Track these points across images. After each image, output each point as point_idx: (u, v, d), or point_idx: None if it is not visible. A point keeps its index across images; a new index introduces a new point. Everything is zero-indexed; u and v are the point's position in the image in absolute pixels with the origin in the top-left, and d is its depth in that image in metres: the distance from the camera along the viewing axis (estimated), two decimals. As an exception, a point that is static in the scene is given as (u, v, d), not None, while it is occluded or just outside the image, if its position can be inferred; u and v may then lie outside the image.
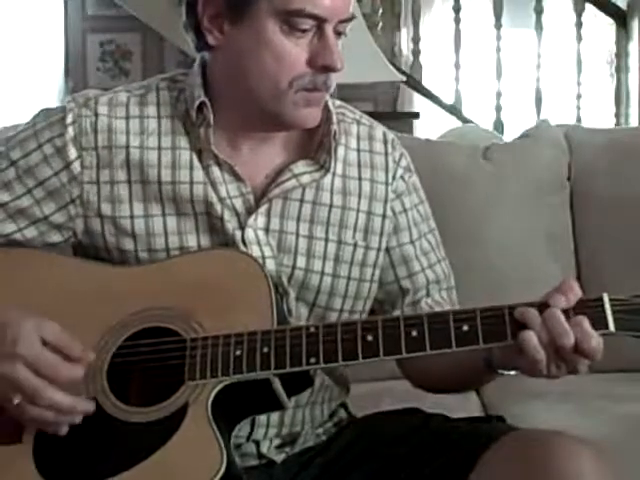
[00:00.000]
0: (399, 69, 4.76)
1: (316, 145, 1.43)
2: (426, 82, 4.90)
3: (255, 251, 1.37)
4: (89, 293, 1.35)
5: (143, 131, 1.40)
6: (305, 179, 1.41)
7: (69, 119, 1.38)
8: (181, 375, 1.26)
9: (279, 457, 1.40)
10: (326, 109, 1.42)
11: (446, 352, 1.22)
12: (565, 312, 1.20)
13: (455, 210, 2.17)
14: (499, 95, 4.76)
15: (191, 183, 1.38)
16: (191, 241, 1.38)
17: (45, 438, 1.26)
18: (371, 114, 1.59)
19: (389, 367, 1.43)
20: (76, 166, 1.38)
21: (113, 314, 1.31)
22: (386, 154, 1.49)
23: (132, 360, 1.30)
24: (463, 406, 1.42)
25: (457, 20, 4.82)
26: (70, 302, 1.34)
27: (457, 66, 4.81)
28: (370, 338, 1.24)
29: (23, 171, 1.39)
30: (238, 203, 1.39)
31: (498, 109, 4.76)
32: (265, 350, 1.24)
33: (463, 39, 4.85)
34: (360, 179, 1.46)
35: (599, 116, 5.12)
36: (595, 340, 1.19)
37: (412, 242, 1.49)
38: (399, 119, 4.70)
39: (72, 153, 1.38)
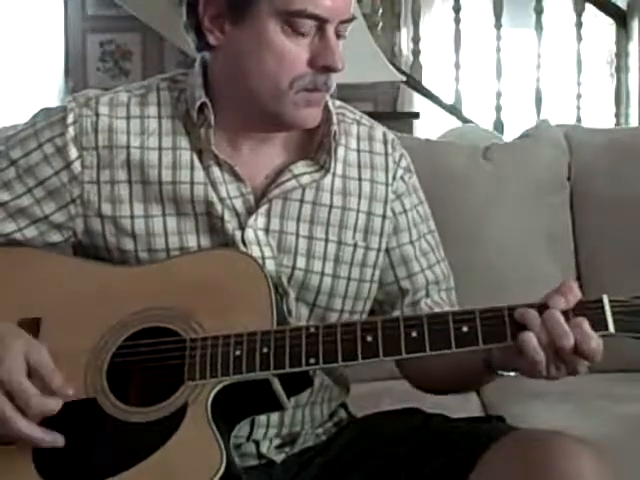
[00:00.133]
0: (399, 69, 4.76)
1: (316, 145, 1.43)
2: (426, 82, 4.90)
3: (255, 251, 1.37)
4: (89, 293, 1.35)
5: (144, 131, 1.40)
6: (305, 180, 1.41)
7: (70, 119, 1.38)
8: (181, 375, 1.26)
9: (279, 457, 1.40)
10: (326, 109, 1.42)
11: (446, 353, 1.22)
12: (565, 313, 1.20)
13: (455, 210, 2.17)
14: (499, 95, 4.76)
15: (192, 183, 1.38)
16: (191, 241, 1.38)
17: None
18: (371, 114, 1.59)
19: (389, 367, 1.43)
20: (76, 166, 1.38)
21: (113, 314, 1.31)
22: (386, 154, 1.49)
23: (132, 360, 1.30)
24: (463, 406, 1.43)
25: (457, 20, 4.82)
26: (70, 302, 1.34)
27: (457, 66, 4.81)
28: (370, 339, 1.24)
29: (23, 170, 1.39)
30: (238, 203, 1.39)
31: (498, 109, 4.76)
32: (265, 350, 1.24)
33: (463, 39, 4.85)
34: (360, 180, 1.46)
35: (599, 116, 5.12)
36: (595, 341, 1.19)
37: (412, 243, 1.49)
38: (399, 119, 4.70)
39: (73, 153, 1.38)
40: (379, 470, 1.34)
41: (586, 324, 1.19)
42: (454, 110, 4.81)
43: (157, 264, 1.37)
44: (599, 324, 1.20)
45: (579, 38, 4.80)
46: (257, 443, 1.39)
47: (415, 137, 2.72)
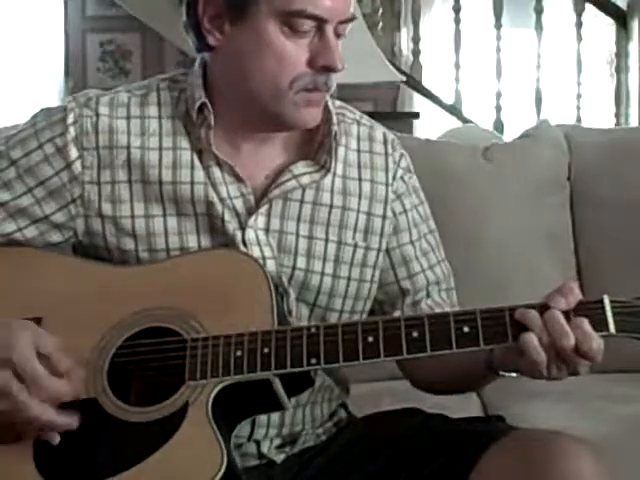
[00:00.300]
0: (399, 69, 4.76)
1: (316, 146, 1.43)
2: (426, 82, 4.90)
3: (255, 252, 1.37)
4: (89, 293, 1.34)
5: (144, 132, 1.40)
6: (305, 180, 1.41)
7: (70, 119, 1.38)
8: (181, 375, 1.25)
9: (279, 457, 1.40)
10: (326, 109, 1.42)
11: (446, 353, 1.22)
12: (565, 314, 1.20)
13: (455, 210, 2.17)
14: (499, 95, 4.77)
15: (192, 183, 1.38)
16: (191, 241, 1.38)
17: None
18: (371, 114, 1.59)
19: (389, 367, 1.43)
20: (77, 166, 1.38)
21: (113, 314, 1.31)
22: (386, 155, 1.49)
23: (132, 360, 1.30)
24: (463, 406, 1.43)
25: (457, 20, 4.82)
26: (70, 302, 1.34)
27: (457, 66, 4.81)
28: (371, 339, 1.23)
29: (24, 170, 1.39)
30: (238, 204, 1.39)
31: (498, 109, 4.76)
32: (266, 351, 1.24)
33: (463, 39, 4.85)
34: (360, 180, 1.46)
35: (599, 116, 5.12)
36: (596, 342, 1.19)
37: (412, 243, 1.49)
38: (399, 119, 4.70)
39: (73, 153, 1.38)
40: (379, 470, 1.34)
41: (587, 324, 1.19)
42: (454, 110, 4.81)
43: (157, 264, 1.37)
44: (600, 324, 1.20)
45: (579, 38, 4.80)
46: (258, 443, 1.39)
47: (415, 137, 2.72)
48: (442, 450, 1.31)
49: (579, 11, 4.80)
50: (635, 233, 2.21)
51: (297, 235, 1.41)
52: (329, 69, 1.34)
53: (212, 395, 1.24)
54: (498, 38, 4.77)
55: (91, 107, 1.40)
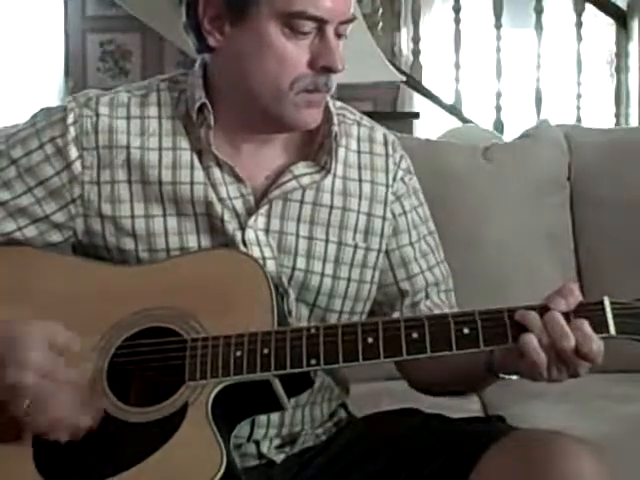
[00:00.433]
0: (399, 69, 4.76)
1: (317, 146, 1.43)
2: (426, 82, 4.91)
3: (255, 252, 1.37)
4: (89, 292, 1.34)
5: (144, 132, 1.40)
6: (305, 180, 1.41)
7: (70, 119, 1.38)
8: (181, 375, 1.25)
9: (279, 457, 1.40)
10: (327, 110, 1.42)
11: (446, 354, 1.22)
12: (566, 315, 1.20)
13: (455, 210, 2.17)
14: (499, 95, 4.77)
15: (192, 183, 1.38)
16: (191, 241, 1.38)
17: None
18: (371, 114, 1.59)
19: (388, 367, 1.43)
20: (77, 166, 1.38)
21: (113, 314, 1.31)
22: (387, 156, 1.49)
23: (132, 360, 1.30)
24: (463, 406, 1.42)
25: (457, 20, 4.83)
26: (70, 301, 1.34)
27: (457, 66, 4.81)
28: (371, 340, 1.23)
29: (24, 170, 1.39)
30: (238, 204, 1.39)
31: (498, 109, 4.76)
32: (265, 351, 1.24)
33: (463, 39, 4.85)
34: (360, 181, 1.46)
35: (599, 116, 5.12)
36: (596, 343, 1.19)
37: (411, 244, 1.49)
38: (399, 119, 4.70)
39: (73, 153, 1.38)
40: (379, 470, 1.34)
41: (587, 326, 1.19)
42: (454, 110, 4.81)
43: (157, 264, 1.37)
44: (600, 326, 1.20)
45: (579, 38, 4.80)
46: (257, 443, 1.39)
47: (415, 137, 2.72)
48: (442, 450, 1.31)
49: (579, 11, 4.80)
50: (635, 233, 2.21)
51: (297, 236, 1.41)
52: (330, 70, 1.34)
53: (212, 395, 1.24)
54: (498, 38, 4.77)
55: (91, 107, 1.40)
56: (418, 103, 5.16)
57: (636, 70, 4.81)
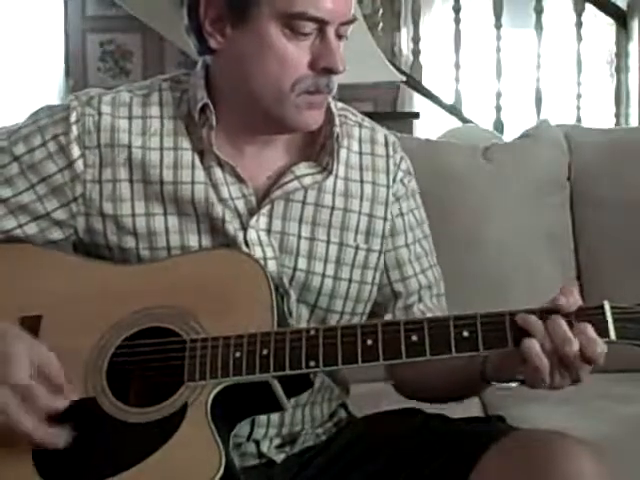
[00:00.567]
0: (399, 69, 4.76)
1: (318, 147, 1.43)
2: (426, 82, 4.91)
3: (257, 252, 1.37)
4: (90, 291, 1.34)
5: (145, 131, 1.40)
6: (307, 181, 1.41)
7: (73, 117, 1.39)
8: (180, 376, 1.25)
9: (279, 457, 1.40)
10: (328, 111, 1.42)
11: (446, 358, 1.22)
12: (567, 320, 1.20)
13: (455, 210, 2.18)
14: (499, 95, 4.77)
15: (192, 183, 1.38)
16: (192, 240, 1.38)
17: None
18: (371, 114, 1.58)
19: (388, 368, 1.43)
20: (79, 165, 1.38)
21: (113, 313, 1.31)
22: (387, 157, 1.49)
23: (132, 360, 1.30)
24: (463, 406, 1.42)
25: (457, 20, 4.83)
26: (71, 300, 1.33)
27: (457, 66, 4.81)
28: (370, 342, 1.23)
29: (27, 167, 1.39)
30: (240, 204, 1.39)
31: (498, 109, 4.76)
32: (265, 352, 1.24)
33: (463, 39, 4.85)
34: (362, 182, 1.46)
35: (599, 116, 5.12)
36: (600, 347, 1.18)
37: (407, 246, 1.49)
38: (399, 119, 4.70)
39: (75, 152, 1.38)
40: (379, 470, 1.34)
41: (590, 329, 1.18)
42: (454, 110, 4.81)
43: (158, 263, 1.37)
44: (600, 331, 1.19)
45: (579, 38, 4.80)
46: (257, 443, 1.39)
47: (415, 137, 2.72)
48: (442, 450, 1.31)
49: (579, 11, 4.80)
50: (635, 233, 2.21)
51: (299, 236, 1.41)
52: (331, 71, 1.34)
53: (211, 396, 1.24)
54: (498, 38, 4.77)
55: (93, 106, 1.40)
56: (418, 103, 5.17)
57: (636, 70, 4.81)
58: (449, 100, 4.85)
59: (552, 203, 2.27)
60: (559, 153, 2.31)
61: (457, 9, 4.83)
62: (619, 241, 2.23)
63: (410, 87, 4.99)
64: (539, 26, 4.78)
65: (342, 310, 1.44)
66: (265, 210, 1.40)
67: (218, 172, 1.39)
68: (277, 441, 1.41)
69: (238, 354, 1.24)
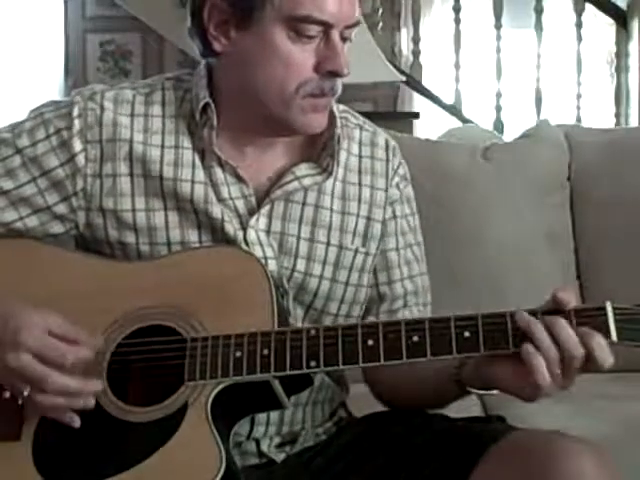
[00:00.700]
0: (399, 69, 4.77)
1: (319, 148, 1.43)
2: (426, 82, 4.91)
3: (258, 252, 1.37)
4: (90, 289, 1.34)
5: (147, 129, 1.40)
6: (307, 181, 1.41)
7: (75, 112, 1.39)
8: (181, 375, 1.25)
9: (279, 456, 1.40)
10: (330, 113, 1.41)
11: (447, 358, 1.22)
12: (568, 321, 1.19)
13: (455, 210, 2.17)
14: (499, 95, 4.77)
15: (192, 182, 1.39)
16: (192, 235, 1.38)
17: (45, 437, 1.26)
18: (371, 114, 1.59)
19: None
20: (80, 159, 1.38)
21: (114, 310, 1.31)
22: (387, 161, 1.49)
23: (132, 358, 1.30)
24: (463, 406, 1.42)
25: (457, 20, 4.83)
26: (71, 297, 1.33)
27: (457, 66, 4.81)
28: (371, 342, 1.23)
29: (29, 159, 1.39)
30: (240, 204, 1.39)
31: (498, 109, 4.76)
32: (265, 352, 1.24)
33: (463, 39, 4.85)
34: (360, 185, 1.46)
35: (599, 116, 5.12)
36: (609, 358, 1.18)
37: (397, 250, 1.49)
38: (399, 119, 4.70)
39: (77, 146, 1.38)
40: (379, 470, 1.34)
41: (601, 339, 1.17)
42: (454, 110, 4.81)
43: (159, 260, 1.36)
44: (601, 332, 1.18)
45: (579, 38, 4.80)
46: (257, 441, 1.39)
47: (415, 137, 2.72)
48: (442, 450, 1.31)
49: (579, 11, 4.80)
50: (635, 233, 2.21)
51: (298, 237, 1.41)
52: (335, 74, 1.34)
53: (211, 396, 1.24)
54: (498, 38, 4.77)
55: (96, 101, 1.40)
56: (418, 103, 5.17)
57: (636, 70, 4.81)
58: (449, 100, 4.85)
59: (552, 203, 2.27)
60: (559, 153, 2.31)
61: (457, 9, 4.83)
62: (619, 241, 2.23)
63: (410, 87, 4.99)
64: (539, 26, 4.78)
65: (337, 313, 1.44)
66: (265, 210, 1.40)
67: (219, 172, 1.39)
68: (277, 440, 1.41)
69: (238, 354, 1.24)
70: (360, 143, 1.48)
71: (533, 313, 1.21)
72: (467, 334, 1.21)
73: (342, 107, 1.49)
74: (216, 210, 1.38)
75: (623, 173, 2.26)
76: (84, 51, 5.80)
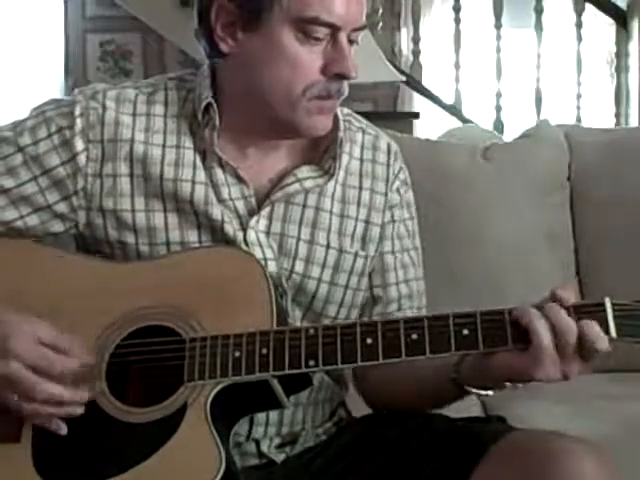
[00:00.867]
0: (399, 69, 4.77)
1: (321, 151, 1.42)
2: (426, 82, 4.91)
3: (257, 252, 1.37)
4: (88, 289, 1.34)
5: (148, 129, 1.40)
6: (308, 184, 1.41)
7: (77, 111, 1.39)
8: (180, 375, 1.25)
9: (279, 457, 1.40)
10: (334, 116, 1.41)
11: (445, 356, 1.22)
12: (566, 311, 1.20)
13: (455, 210, 2.18)
14: (499, 95, 4.77)
15: (193, 182, 1.39)
16: (192, 236, 1.38)
17: (44, 438, 1.26)
18: (371, 114, 1.59)
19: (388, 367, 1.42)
20: (81, 158, 1.38)
21: (113, 311, 1.31)
22: (388, 165, 1.49)
23: (131, 359, 1.29)
24: (463, 406, 1.42)
25: (457, 20, 4.83)
26: (70, 298, 1.33)
27: (457, 66, 4.82)
28: (370, 341, 1.23)
29: (30, 157, 1.39)
30: (240, 205, 1.39)
31: (498, 109, 4.77)
32: (264, 351, 1.24)
33: (463, 39, 4.85)
34: (360, 188, 1.46)
35: (599, 116, 5.12)
36: (603, 342, 1.18)
37: (393, 253, 1.49)
38: (399, 119, 4.70)
39: (79, 145, 1.38)
40: (379, 471, 1.34)
41: (596, 326, 1.18)
42: (454, 110, 4.81)
43: (158, 260, 1.36)
44: (600, 328, 1.18)
45: (579, 38, 4.80)
46: (257, 442, 1.39)
47: (415, 137, 2.72)
48: (442, 451, 1.31)
49: (579, 11, 4.80)
50: (635, 233, 2.21)
51: (298, 239, 1.41)
52: (343, 76, 1.34)
53: (211, 396, 1.23)
54: (498, 38, 4.77)
55: (98, 100, 1.40)
56: (418, 103, 5.17)
57: (636, 70, 4.82)
58: (449, 100, 4.85)
59: (552, 203, 2.27)
60: (559, 153, 2.31)
61: (457, 9, 4.83)
62: (619, 241, 2.23)
63: (410, 87, 4.99)
64: (539, 26, 4.78)
65: (335, 316, 1.44)
66: (265, 212, 1.40)
67: (219, 172, 1.39)
68: (277, 441, 1.41)
69: (237, 354, 1.24)
70: (362, 146, 1.48)
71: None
72: (466, 331, 1.21)
73: (346, 110, 1.49)
74: (216, 211, 1.38)
75: (623, 173, 2.26)
76: (84, 51, 5.80)
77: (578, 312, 1.20)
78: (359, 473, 1.35)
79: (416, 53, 4.87)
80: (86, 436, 1.25)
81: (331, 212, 1.43)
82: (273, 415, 1.39)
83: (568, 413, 1.87)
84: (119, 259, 1.39)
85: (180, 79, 1.45)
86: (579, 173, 2.29)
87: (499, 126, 4.70)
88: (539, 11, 4.77)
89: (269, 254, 1.39)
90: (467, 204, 2.21)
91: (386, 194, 1.48)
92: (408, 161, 1.55)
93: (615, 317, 1.18)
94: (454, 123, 4.66)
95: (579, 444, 1.21)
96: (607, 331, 1.18)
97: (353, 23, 1.34)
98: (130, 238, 1.39)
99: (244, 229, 1.39)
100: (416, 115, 4.75)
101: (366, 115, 1.56)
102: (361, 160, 1.48)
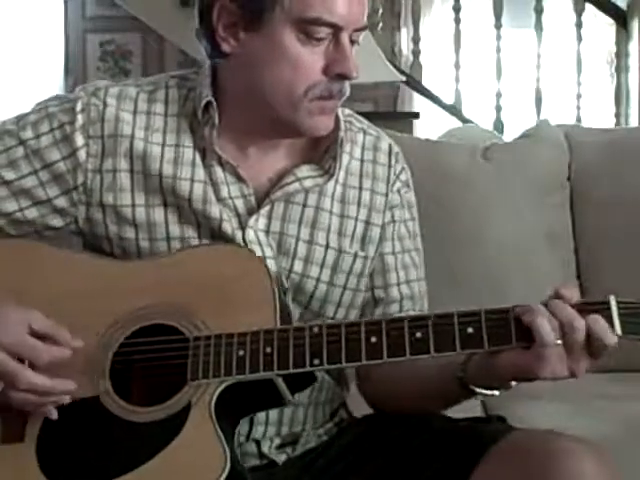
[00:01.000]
0: (399, 69, 4.77)
1: (322, 151, 1.43)
2: (426, 82, 4.91)
3: (257, 251, 1.37)
4: (91, 288, 1.34)
5: (148, 127, 1.40)
6: (308, 183, 1.41)
7: (79, 107, 1.40)
8: (184, 374, 1.25)
9: (280, 458, 1.40)
10: (335, 117, 1.41)
11: (450, 355, 1.21)
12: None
13: (455, 210, 2.18)
14: (499, 95, 4.77)
15: (192, 180, 1.39)
16: (192, 231, 1.39)
17: (48, 438, 1.26)
18: (371, 114, 1.59)
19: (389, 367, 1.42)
20: (82, 154, 1.39)
21: (116, 310, 1.31)
22: (389, 166, 1.49)
23: (135, 358, 1.30)
24: (463, 406, 1.42)
25: (457, 20, 4.83)
26: (71, 298, 1.33)
27: (457, 66, 4.82)
28: (374, 339, 1.23)
29: (32, 151, 1.39)
30: (239, 204, 1.39)
31: (498, 109, 4.77)
32: (268, 350, 1.24)
33: (463, 39, 4.85)
34: (361, 189, 1.46)
35: (599, 116, 5.12)
36: (610, 337, 1.18)
37: (394, 254, 1.48)
38: (399, 119, 4.70)
39: (79, 140, 1.39)
40: (380, 471, 1.34)
41: (603, 321, 1.18)
42: (454, 110, 4.81)
43: (160, 259, 1.37)
44: None
45: (579, 38, 4.80)
46: (258, 443, 1.39)
47: (415, 137, 2.72)
48: (443, 451, 1.31)
49: (579, 11, 4.81)
50: (635, 233, 2.21)
51: (297, 239, 1.41)
52: (344, 77, 1.34)
53: (215, 395, 1.23)
54: (498, 38, 4.77)
55: (99, 96, 1.41)
56: (418, 103, 5.17)
57: (636, 70, 4.82)
58: (449, 100, 4.85)
59: (552, 203, 2.28)
60: (559, 153, 2.31)
61: (457, 9, 4.83)
62: (619, 241, 2.23)
63: (410, 87, 4.99)
64: (539, 26, 4.78)
65: (333, 316, 1.43)
66: (264, 211, 1.40)
67: (219, 171, 1.39)
68: (277, 441, 1.41)
69: (241, 352, 1.24)
70: (363, 147, 1.48)
71: None
72: (470, 330, 1.21)
73: (347, 111, 1.49)
74: (214, 209, 1.38)
75: (623, 173, 2.26)
76: (84, 51, 5.80)
77: (583, 310, 1.19)
78: (360, 473, 1.35)
79: (416, 53, 4.88)
80: (91, 436, 1.25)
81: (331, 212, 1.43)
82: (272, 415, 1.39)
83: (568, 413, 1.87)
84: (119, 256, 1.40)
85: (182, 77, 1.45)
86: (579, 173, 2.30)
87: (499, 126, 4.70)
88: (539, 11, 4.77)
89: (268, 253, 1.39)
90: (467, 204, 2.21)
91: (387, 195, 1.48)
92: (408, 161, 1.55)
93: (620, 315, 1.19)
94: (454, 123, 4.66)
95: (579, 444, 1.21)
96: (612, 329, 1.18)
97: (355, 23, 1.34)
98: (130, 233, 1.39)
99: (243, 228, 1.39)
100: (416, 115, 4.75)
101: (366, 115, 1.56)
102: (362, 161, 1.48)
